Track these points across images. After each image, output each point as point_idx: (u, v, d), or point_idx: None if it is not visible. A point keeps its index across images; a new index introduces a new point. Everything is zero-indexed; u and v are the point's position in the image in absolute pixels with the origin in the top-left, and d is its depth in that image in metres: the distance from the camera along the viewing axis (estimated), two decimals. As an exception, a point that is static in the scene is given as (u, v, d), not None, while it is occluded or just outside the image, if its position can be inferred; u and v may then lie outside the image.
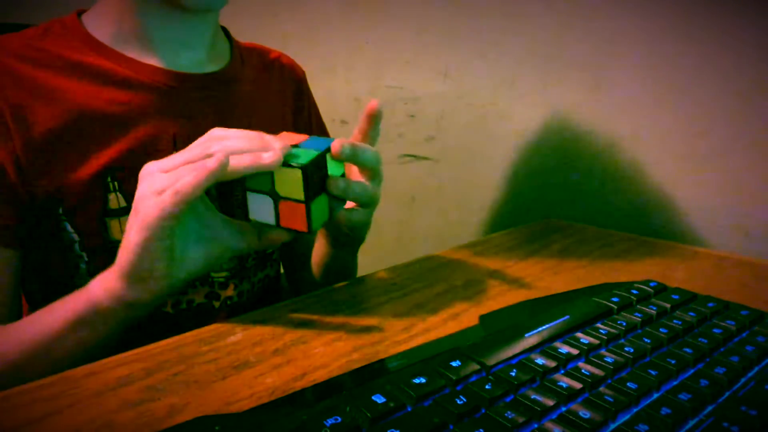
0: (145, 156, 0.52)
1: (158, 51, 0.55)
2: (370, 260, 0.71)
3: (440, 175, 0.94)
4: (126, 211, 0.51)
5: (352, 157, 0.44)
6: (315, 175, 0.42)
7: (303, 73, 0.70)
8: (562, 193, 0.82)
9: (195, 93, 0.56)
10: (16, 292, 0.51)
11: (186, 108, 0.55)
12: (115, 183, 0.51)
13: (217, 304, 0.57)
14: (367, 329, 0.42)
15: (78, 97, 0.50)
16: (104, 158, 0.51)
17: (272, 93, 0.65)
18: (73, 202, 0.50)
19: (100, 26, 0.54)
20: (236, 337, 0.40)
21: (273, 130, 0.46)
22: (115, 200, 0.51)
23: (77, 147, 0.50)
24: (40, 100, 0.49)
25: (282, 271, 0.72)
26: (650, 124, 0.73)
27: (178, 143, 0.54)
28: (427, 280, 0.51)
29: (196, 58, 0.57)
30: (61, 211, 0.50)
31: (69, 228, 0.51)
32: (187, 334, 0.40)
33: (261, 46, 0.68)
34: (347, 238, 0.53)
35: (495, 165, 0.88)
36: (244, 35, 0.65)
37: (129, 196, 0.51)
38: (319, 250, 0.63)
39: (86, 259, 0.52)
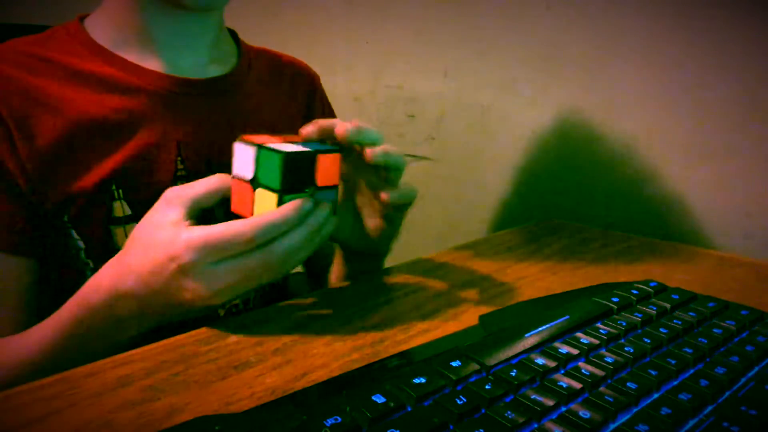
0: (149, 163, 0.52)
1: (160, 53, 0.55)
2: (370, 260, 0.70)
3: (440, 175, 0.94)
4: (130, 218, 0.51)
5: (357, 135, 0.43)
6: (295, 167, 0.40)
7: (317, 77, 0.70)
8: (561, 192, 0.82)
9: (198, 98, 0.56)
10: (29, 303, 0.50)
11: (189, 114, 0.55)
12: (120, 191, 0.51)
13: (222, 312, 0.57)
14: (367, 329, 0.42)
15: (81, 105, 0.50)
16: (108, 166, 0.51)
17: (281, 98, 0.64)
18: (79, 210, 0.50)
19: (102, 30, 0.55)
20: (236, 337, 0.40)
21: (280, 134, 0.45)
22: (119, 208, 0.51)
23: (82, 156, 0.50)
24: (44, 110, 0.49)
25: (303, 276, 0.72)
26: (650, 124, 0.73)
27: (183, 150, 0.54)
28: (427, 280, 0.51)
29: (199, 60, 0.57)
30: (66, 219, 0.50)
31: (75, 235, 0.51)
32: (187, 334, 0.40)
33: (273, 51, 0.67)
34: (370, 249, 0.52)
35: (495, 165, 0.87)
36: (244, 35, 0.65)
37: (133, 204, 0.51)
38: (339, 266, 0.59)
39: (92, 266, 0.51)
